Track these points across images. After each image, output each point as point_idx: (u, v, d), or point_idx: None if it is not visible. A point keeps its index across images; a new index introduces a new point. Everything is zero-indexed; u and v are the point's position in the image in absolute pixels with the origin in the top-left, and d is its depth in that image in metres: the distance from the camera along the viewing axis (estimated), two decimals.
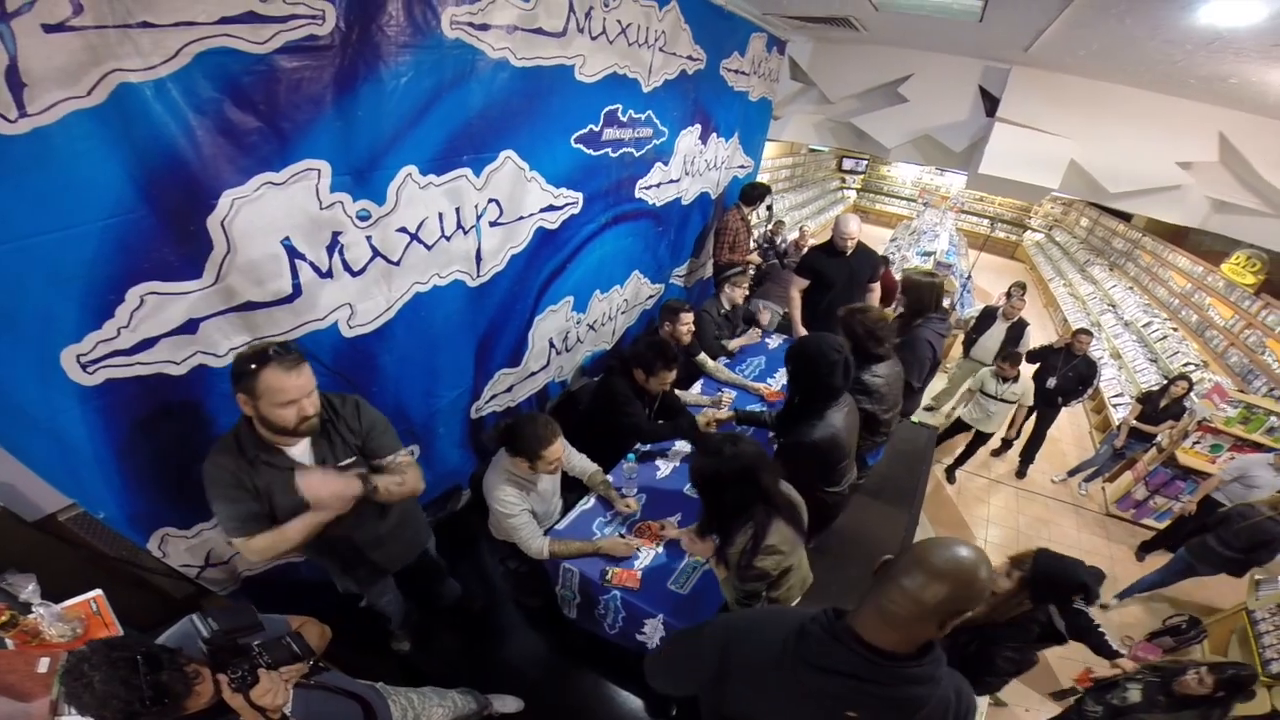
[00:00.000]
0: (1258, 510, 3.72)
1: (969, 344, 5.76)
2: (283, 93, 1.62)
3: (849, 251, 4.13)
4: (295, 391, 1.56)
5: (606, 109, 3.01)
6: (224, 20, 1.42)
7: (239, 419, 1.66)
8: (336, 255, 1.96)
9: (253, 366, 1.50)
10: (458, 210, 2.37)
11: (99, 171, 1.34)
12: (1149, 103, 4.15)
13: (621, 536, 2.57)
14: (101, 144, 1.32)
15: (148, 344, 1.57)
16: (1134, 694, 2.56)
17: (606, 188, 3.34)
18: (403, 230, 2.16)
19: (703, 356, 3.83)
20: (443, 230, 2.34)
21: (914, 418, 5.47)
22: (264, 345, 1.56)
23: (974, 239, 12.07)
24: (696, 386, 3.80)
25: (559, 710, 2.63)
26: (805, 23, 4.34)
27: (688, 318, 3.49)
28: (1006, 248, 14.97)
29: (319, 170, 1.79)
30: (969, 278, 8.28)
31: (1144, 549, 4.94)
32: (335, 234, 1.93)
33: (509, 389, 3.28)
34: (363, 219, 1.99)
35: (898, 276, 4.94)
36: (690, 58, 3.60)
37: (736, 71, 4.34)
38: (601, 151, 3.14)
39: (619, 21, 2.82)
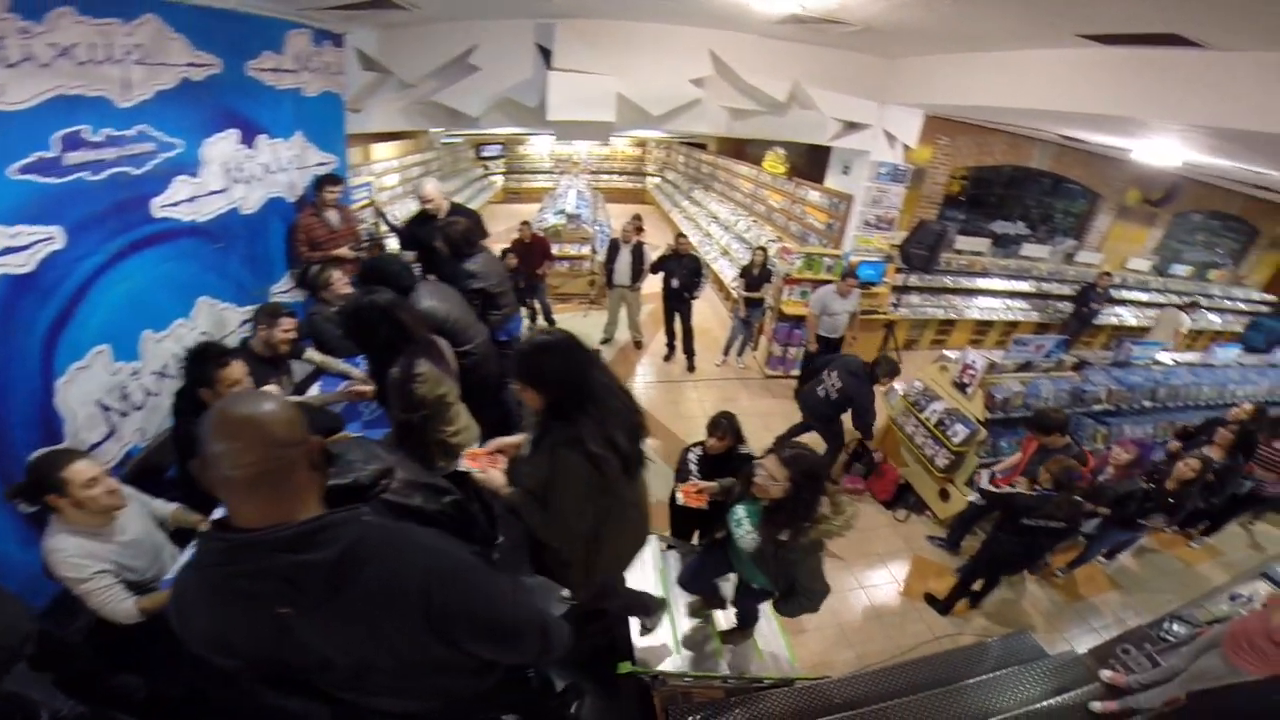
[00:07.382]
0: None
1: (609, 275, 6.53)
2: None
3: (439, 214, 4.50)
4: None
5: (62, 133, 2.57)
6: None
7: None
8: None
9: None
10: None
11: None
12: (660, 33, 4.91)
13: None
14: None
15: None
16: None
17: (100, 213, 2.75)
18: None
19: (310, 353, 3.40)
20: None
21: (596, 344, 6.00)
22: None
23: (610, 194, 13.57)
24: (315, 388, 3.59)
25: None
26: (351, 11, 4.08)
27: (289, 323, 3.08)
28: (636, 194, 17.08)
29: None
30: (609, 224, 9.69)
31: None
32: None
33: None
34: None
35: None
36: (192, 64, 3.26)
37: (276, 70, 3.94)
38: (73, 177, 2.59)
39: (51, 45, 2.46)
